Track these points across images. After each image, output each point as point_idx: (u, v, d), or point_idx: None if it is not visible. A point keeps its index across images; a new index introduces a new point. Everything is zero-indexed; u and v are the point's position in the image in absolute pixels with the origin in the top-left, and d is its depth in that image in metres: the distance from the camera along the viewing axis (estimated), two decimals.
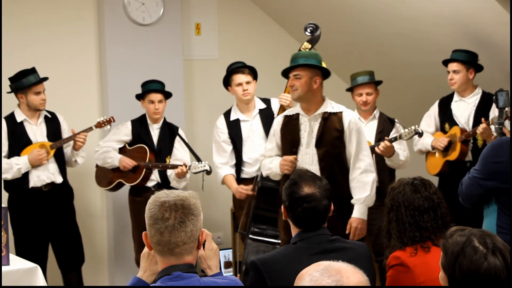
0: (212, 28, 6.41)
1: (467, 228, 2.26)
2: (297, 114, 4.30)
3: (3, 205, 3.82)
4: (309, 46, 4.80)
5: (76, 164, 5.27)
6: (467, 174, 3.51)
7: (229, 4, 6.48)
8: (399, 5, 5.30)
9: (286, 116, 4.36)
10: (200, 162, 5.17)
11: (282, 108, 4.95)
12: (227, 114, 5.30)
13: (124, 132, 5.39)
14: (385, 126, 5.17)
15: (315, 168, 4.15)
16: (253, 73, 5.21)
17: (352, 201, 4.21)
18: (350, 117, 4.24)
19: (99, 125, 5.23)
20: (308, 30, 4.82)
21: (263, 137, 5.14)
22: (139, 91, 5.40)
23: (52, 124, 5.22)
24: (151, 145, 5.35)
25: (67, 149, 5.24)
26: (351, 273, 1.76)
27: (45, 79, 5.11)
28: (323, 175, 4.10)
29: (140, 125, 5.41)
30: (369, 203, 4.24)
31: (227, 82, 5.23)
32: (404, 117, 5.65)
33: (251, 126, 5.22)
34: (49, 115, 5.23)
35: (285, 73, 4.29)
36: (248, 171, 5.18)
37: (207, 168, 5.13)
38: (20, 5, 5.69)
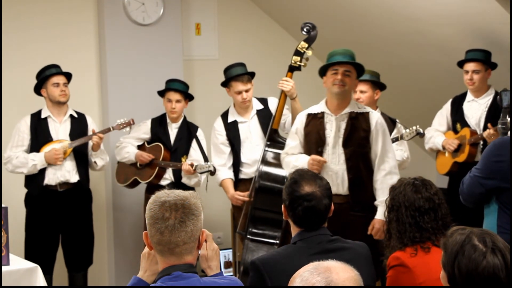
0: (212, 28, 6.41)
1: (468, 227, 2.25)
2: (322, 113, 4.27)
3: (3, 205, 3.82)
4: (306, 45, 4.80)
5: (97, 166, 5.27)
6: (468, 173, 3.50)
7: (229, 4, 6.47)
8: (400, 5, 5.29)
9: (310, 114, 4.32)
10: (206, 163, 5.18)
11: (284, 94, 4.92)
12: (224, 116, 5.29)
13: (143, 130, 5.43)
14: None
15: (341, 168, 4.18)
16: (251, 76, 5.19)
17: (375, 202, 4.20)
18: (377, 118, 4.26)
19: (118, 126, 5.25)
20: (305, 30, 4.81)
21: (261, 137, 5.13)
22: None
23: (78, 124, 5.24)
24: (167, 144, 5.36)
25: (90, 152, 5.25)
26: (341, 270, 1.77)
27: (67, 73, 5.15)
28: (349, 175, 4.15)
29: (159, 124, 5.43)
30: None
31: (225, 83, 5.23)
32: (404, 117, 5.65)
33: (249, 127, 5.21)
34: (76, 115, 5.25)
35: (326, 68, 4.21)
36: (247, 172, 5.17)
37: (211, 168, 5.13)
38: (20, 4, 5.69)
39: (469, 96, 5.12)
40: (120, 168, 5.51)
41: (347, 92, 4.22)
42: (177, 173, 5.33)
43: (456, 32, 5.20)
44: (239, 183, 5.19)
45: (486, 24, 4.97)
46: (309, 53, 4.79)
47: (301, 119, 4.36)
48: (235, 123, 5.23)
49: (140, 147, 5.45)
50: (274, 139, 4.96)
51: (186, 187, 5.12)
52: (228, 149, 5.23)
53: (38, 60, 5.29)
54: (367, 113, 4.25)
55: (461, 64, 5.07)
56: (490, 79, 5.10)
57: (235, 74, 5.11)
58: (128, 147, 5.40)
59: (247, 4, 6.53)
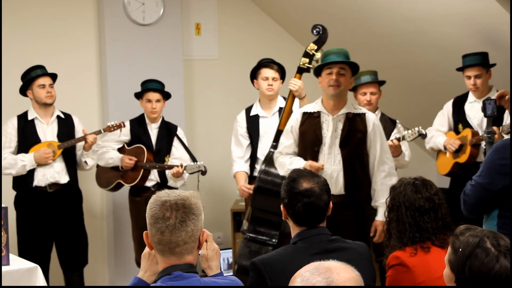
0: (212, 28, 6.41)
1: (477, 227, 2.24)
2: (319, 112, 4.21)
3: (3, 205, 3.81)
4: (315, 47, 4.77)
5: (87, 166, 5.26)
6: (469, 183, 3.39)
7: (229, 4, 6.48)
8: (401, 6, 5.29)
9: (305, 113, 4.26)
10: (195, 163, 5.17)
11: (292, 94, 4.93)
12: (248, 109, 5.32)
13: (123, 132, 5.38)
14: (386, 127, 5.14)
15: (336, 169, 4.14)
16: (282, 72, 5.20)
17: (376, 204, 4.18)
18: (374, 119, 4.23)
19: (109, 129, 5.23)
20: (315, 31, 4.79)
21: None
22: (139, 91, 5.39)
23: (65, 125, 5.23)
24: (149, 145, 5.34)
25: (79, 152, 5.24)
26: (341, 270, 1.77)
27: (53, 74, 5.14)
28: (346, 176, 4.12)
29: (138, 125, 5.40)
30: None
31: (253, 75, 5.22)
32: (404, 118, 5.65)
33: (269, 123, 5.21)
34: (63, 116, 5.25)
35: (320, 68, 4.17)
36: None
37: (202, 168, 5.13)
38: (20, 5, 5.69)
39: (471, 97, 5.09)
40: (101, 172, 5.45)
41: (343, 93, 4.16)
42: (163, 173, 5.32)
43: (456, 31, 5.21)
44: (253, 180, 5.15)
45: (485, 24, 4.97)
46: (318, 55, 4.77)
47: (296, 117, 4.29)
48: (256, 117, 5.25)
49: (120, 150, 5.40)
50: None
51: (172, 188, 5.09)
52: (246, 142, 5.25)
53: (38, 61, 5.28)
54: (364, 114, 4.21)
55: (460, 68, 5.03)
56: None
57: (266, 61, 5.17)
58: (110, 152, 5.35)
59: (247, 4, 6.53)
